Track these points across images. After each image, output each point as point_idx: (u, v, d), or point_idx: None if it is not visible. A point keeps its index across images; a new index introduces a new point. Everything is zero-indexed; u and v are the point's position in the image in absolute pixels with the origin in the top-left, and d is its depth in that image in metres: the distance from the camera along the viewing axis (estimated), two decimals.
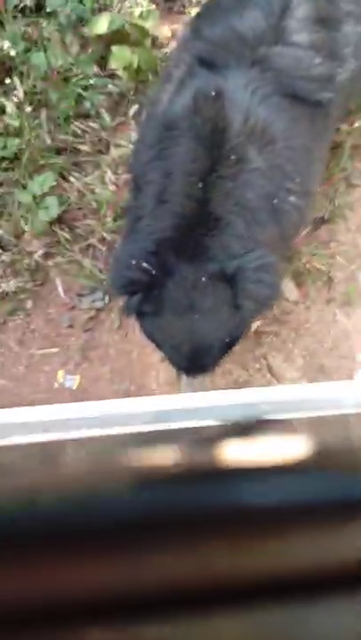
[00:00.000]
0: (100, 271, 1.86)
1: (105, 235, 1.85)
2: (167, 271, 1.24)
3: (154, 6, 2.02)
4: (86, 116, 1.97)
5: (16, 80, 1.87)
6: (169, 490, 0.39)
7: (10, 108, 1.86)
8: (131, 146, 1.84)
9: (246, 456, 0.44)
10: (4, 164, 1.92)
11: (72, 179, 1.89)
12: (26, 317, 1.87)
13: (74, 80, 1.93)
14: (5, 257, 1.86)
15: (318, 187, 1.62)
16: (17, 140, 1.87)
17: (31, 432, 0.52)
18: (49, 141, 1.90)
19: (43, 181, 1.84)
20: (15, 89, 1.88)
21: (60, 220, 1.88)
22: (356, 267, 1.94)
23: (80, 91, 1.93)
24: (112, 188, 1.84)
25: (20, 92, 1.86)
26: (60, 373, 1.82)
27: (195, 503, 0.38)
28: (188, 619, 0.37)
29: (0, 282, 1.86)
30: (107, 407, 0.56)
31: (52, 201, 1.85)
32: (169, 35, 2.09)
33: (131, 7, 1.99)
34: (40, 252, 1.86)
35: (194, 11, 2.04)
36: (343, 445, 0.46)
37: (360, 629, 0.37)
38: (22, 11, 2.00)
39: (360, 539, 0.38)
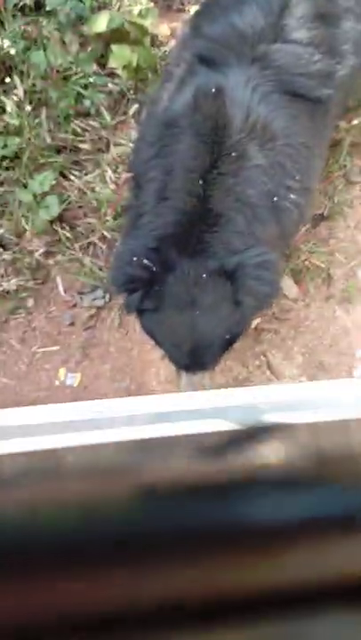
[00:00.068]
0: (101, 269, 1.87)
1: (105, 233, 1.86)
2: (168, 267, 1.24)
3: (153, 4, 2.02)
4: (86, 115, 1.97)
5: (16, 79, 1.86)
6: (171, 503, 0.39)
7: (10, 106, 1.86)
8: (131, 144, 1.84)
9: (248, 468, 0.44)
10: (5, 163, 1.92)
11: (72, 177, 1.89)
12: (27, 316, 1.88)
13: (73, 79, 1.93)
14: (6, 255, 1.86)
15: (318, 184, 1.63)
16: (17, 139, 1.87)
17: (31, 434, 0.52)
18: (49, 140, 1.90)
19: (43, 180, 1.85)
20: (15, 88, 1.87)
21: (60, 219, 1.89)
22: (355, 263, 1.94)
23: (80, 89, 1.93)
24: (112, 186, 1.84)
25: (19, 91, 1.86)
26: (61, 371, 1.83)
27: (196, 517, 0.38)
28: (190, 632, 0.37)
29: (1, 280, 1.86)
30: (107, 407, 0.57)
31: (52, 199, 1.85)
32: (168, 33, 2.09)
33: (130, 5, 1.99)
34: (41, 250, 1.86)
35: (193, 9, 2.05)
36: (344, 452, 0.47)
37: None
38: (22, 9, 2.00)
39: None
